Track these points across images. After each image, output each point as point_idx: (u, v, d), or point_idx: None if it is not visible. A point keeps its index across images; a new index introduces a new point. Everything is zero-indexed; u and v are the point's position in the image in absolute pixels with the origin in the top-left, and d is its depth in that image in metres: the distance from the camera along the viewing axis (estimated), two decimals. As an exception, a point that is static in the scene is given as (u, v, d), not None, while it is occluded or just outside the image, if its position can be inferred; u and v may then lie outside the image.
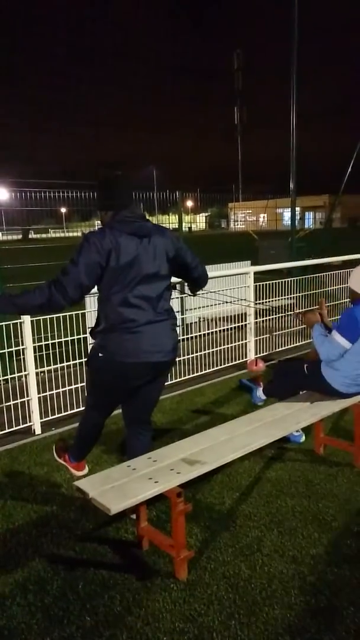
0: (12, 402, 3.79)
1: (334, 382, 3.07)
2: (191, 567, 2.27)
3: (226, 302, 5.09)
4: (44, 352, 3.98)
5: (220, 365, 5.11)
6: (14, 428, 3.76)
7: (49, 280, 2.25)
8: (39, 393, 3.87)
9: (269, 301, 5.48)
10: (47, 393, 3.99)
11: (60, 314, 4.06)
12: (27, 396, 3.83)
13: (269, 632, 1.93)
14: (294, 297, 5.79)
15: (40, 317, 3.93)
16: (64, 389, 4.08)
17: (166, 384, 3.08)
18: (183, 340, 4.93)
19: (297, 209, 12.78)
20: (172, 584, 2.20)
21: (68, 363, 4.12)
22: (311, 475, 3.07)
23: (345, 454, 3.27)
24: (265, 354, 5.44)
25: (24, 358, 3.79)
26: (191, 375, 4.86)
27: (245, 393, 4.38)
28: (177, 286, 5.29)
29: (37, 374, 3.86)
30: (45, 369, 4.04)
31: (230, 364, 5.17)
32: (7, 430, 3.73)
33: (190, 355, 4.88)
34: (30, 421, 3.83)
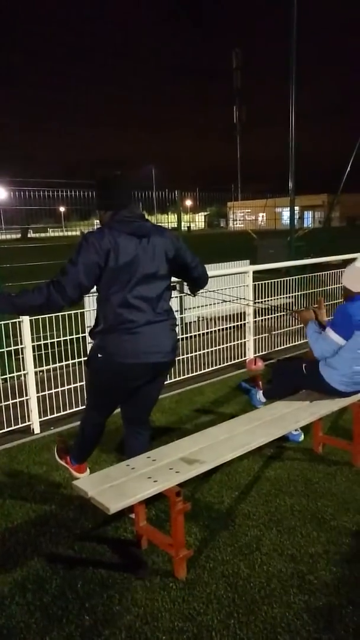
0: (10, 401, 3.79)
1: (333, 381, 3.08)
2: (190, 566, 2.27)
3: (225, 302, 5.10)
4: (42, 352, 3.98)
5: (219, 364, 5.11)
6: (13, 427, 3.76)
7: (47, 281, 2.24)
8: (37, 392, 3.87)
9: (268, 300, 5.48)
10: (46, 392, 3.99)
11: (59, 313, 4.06)
12: (26, 395, 3.83)
13: (268, 631, 1.93)
14: (293, 296, 5.79)
15: (39, 317, 3.93)
16: (62, 388, 4.08)
17: (165, 383, 3.08)
18: (182, 339, 4.93)
19: (296, 208, 12.78)
20: (171, 583, 2.20)
21: (67, 362, 4.12)
22: (310, 474, 3.07)
23: (344, 452, 3.27)
24: (264, 353, 5.44)
25: (22, 357, 3.79)
26: (190, 375, 4.86)
27: (244, 393, 4.38)
28: (177, 286, 5.29)
29: (36, 373, 3.86)
30: (44, 368, 4.03)
31: (229, 363, 5.17)
32: (5, 430, 3.73)
33: (190, 355, 4.88)
34: (29, 420, 3.83)
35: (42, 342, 3.96)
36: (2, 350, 3.84)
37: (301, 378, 3.29)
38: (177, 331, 2.52)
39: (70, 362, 4.15)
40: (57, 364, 4.07)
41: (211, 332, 5.22)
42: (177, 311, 5.16)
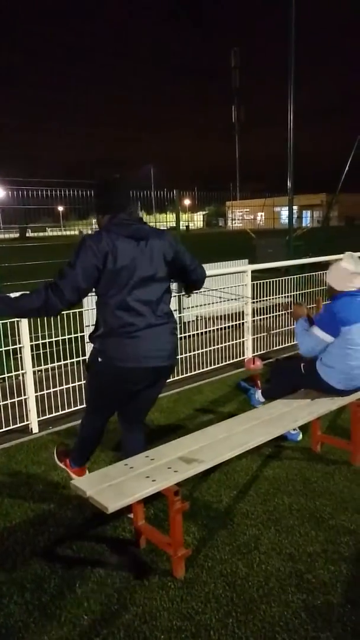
0: (9, 401, 3.79)
1: (331, 380, 3.09)
2: (188, 565, 2.27)
3: (224, 301, 5.10)
4: (41, 351, 3.97)
5: (218, 363, 5.12)
6: (11, 427, 3.76)
7: (46, 284, 2.24)
8: (36, 392, 3.87)
9: (267, 300, 5.48)
10: (44, 392, 3.98)
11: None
12: (24, 395, 3.83)
13: (266, 629, 1.93)
14: (291, 295, 5.79)
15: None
16: (61, 388, 4.08)
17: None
18: (181, 338, 4.93)
19: (295, 207, 12.79)
20: (169, 582, 2.20)
21: (65, 362, 4.12)
22: (308, 473, 3.07)
23: (342, 452, 3.27)
24: (262, 352, 5.44)
25: (21, 357, 3.78)
26: (189, 374, 4.86)
27: (243, 393, 4.38)
28: (175, 286, 5.28)
29: (34, 372, 3.86)
30: (43, 367, 4.03)
31: (228, 362, 5.17)
32: (4, 429, 3.72)
33: (188, 354, 4.88)
34: (27, 420, 3.83)
35: (40, 342, 3.95)
36: (1, 349, 3.83)
37: (299, 377, 3.29)
38: (177, 335, 2.52)
39: (68, 361, 4.14)
40: (56, 364, 4.07)
41: (210, 331, 5.22)
42: (175, 310, 5.17)
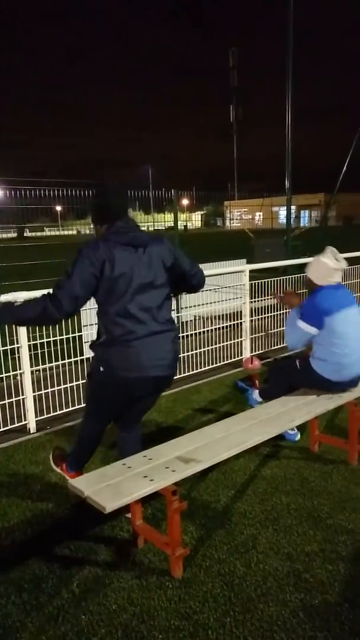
0: (7, 401, 3.78)
1: (325, 372, 3.14)
2: (186, 565, 2.27)
3: (222, 300, 5.10)
4: (39, 351, 3.97)
5: (216, 363, 5.12)
6: (9, 427, 3.75)
7: (44, 294, 2.28)
8: (34, 391, 3.86)
9: (265, 299, 5.48)
10: (42, 391, 3.98)
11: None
12: (22, 395, 3.82)
13: (264, 629, 1.94)
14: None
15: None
16: (59, 387, 4.07)
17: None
18: (178, 338, 4.92)
19: (293, 207, 12.80)
20: (167, 581, 2.20)
21: (63, 361, 4.12)
22: (306, 472, 3.07)
23: (339, 451, 3.28)
24: (261, 352, 5.45)
25: (18, 356, 3.78)
26: (187, 374, 4.86)
27: (241, 393, 4.39)
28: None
29: (32, 372, 3.85)
30: (40, 367, 4.03)
31: (226, 362, 5.17)
32: (2, 429, 3.72)
33: (186, 354, 4.88)
34: (25, 420, 3.82)
35: (38, 341, 3.95)
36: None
37: (296, 374, 3.33)
38: (179, 342, 2.52)
39: (66, 361, 4.14)
40: (54, 363, 4.06)
41: (208, 331, 5.22)
42: (173, 310, 5.17)
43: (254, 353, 5.38)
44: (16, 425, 3.78)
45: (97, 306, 2.38)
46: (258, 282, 5.39)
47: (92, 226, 2.53)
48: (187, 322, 5.50)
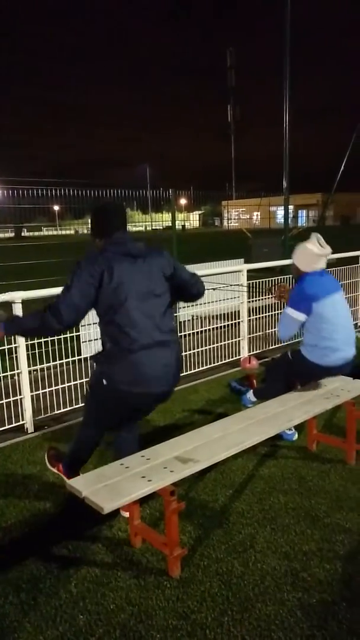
0: (4, 401, 3.78)
1: (315, 358, 3.20)
2: (184, 565, 2.28)
3: (219, 300, 5.10)
4: (36, 350, 3.97)
5: (214, 363, 5.12)
6: (7, 426, 3.75)
7: (45, 306, 2.31)
8: (31, 391, 3.86)
9: (262, 299, 5.49)
10: (40, 391, 3.98)
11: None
12: (20, 394, 3.82)
13: (262, 628, 1.94)
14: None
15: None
16: (56, 387, 4.07)
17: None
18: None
19: (290, 207, 12.81)
20: (165, 581, 2.20)
21: (61, 361, 4.11)
22: (304, 472, 3.08)
23: (337, 450, 3.28)
24: (258, 351, 5.45)
25: (16, 356, 3.77)
26: (185, 373, 4.86)
27: (235, 393, 4.39)
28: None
29: (29, 372, 3.85)
30: (38, 367, 4.02)
31: (223, 361, 5.18)
32: (-1, 429, 3.71)
33: (184, 353, 4.87)
34: (22, 419, 3.82)
35: (35, 341, 3.94)
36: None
37: (289, 367, 3.40)
38: (182, 354, 2.54)
39: (64, 360, 4.13)
40: (51, 363, 4.06)
41: (205, 330, 5.22)
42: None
43: (251, 353, 5.38)
44: (14, 425, 3.77)
45: (98, 319, 2.40)
46: (256, 282, 5.39)
47: (89, 229, 2.58)
48: (185, 321, 5.50)
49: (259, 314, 5.52)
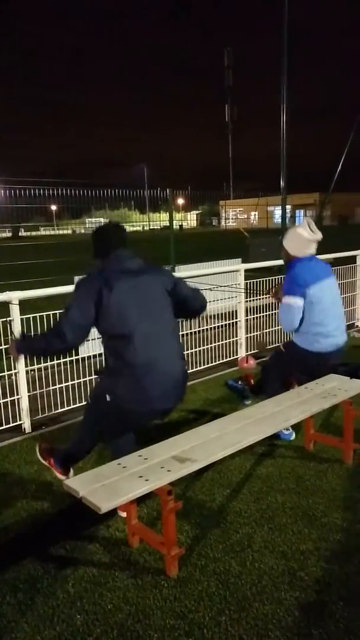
0: (1, 401, 3.77)
1: (307, 345, 3.26)
2: (182, 564, 2.28)
3: (217, 300, 5.10)
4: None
5: (211, 362, 5.12)
6: (4, 427, 3.74)
7: (50, 326, 2.39)
8: (29, 391, 3.85)
9: (260, 299, 5.49)
10: (37, 391, 3.97)
11: (51, 312, 4.05)
12: (17, 394, 3.81)
13: (259, 627, 1.94)
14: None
15: (30, 315, 3.91)
16: (54, 387, 4.06)
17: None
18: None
19: (288, 206, 12.82)
20: (162, 581, 2.20)
21: (58, 361, 4.10)
22: (301, 471, 3.08)
23: (334, 450, 3.29)
24: (256, 351, 5.45)
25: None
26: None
27: (232, 391, 4.39)
28: None
29: (27, 372, 3.84)
30: (35, 367, 4.02)
31: (221, 361, 5.18)
32: (-4, 429, 3.71)
33: (181, 353, 4.87)
34: (20, 419, 3.81)
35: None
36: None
37: (283, 358, 3.45)
38: (186, 368, 2.55)
39: (61, 360, 4.13)
40: (49, 363, 4.05)
41: (203, 330, 5.22)
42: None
43: (249, 352, 5.39)
44: (11, 425, 3.77)
45: (101, 337, 2.41)
46: (253, 282, 5.40)
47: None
48: (182, 321, 5.49)
49: (257, 313, 5.52)
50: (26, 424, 3.81)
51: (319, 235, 3.29)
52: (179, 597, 2.10)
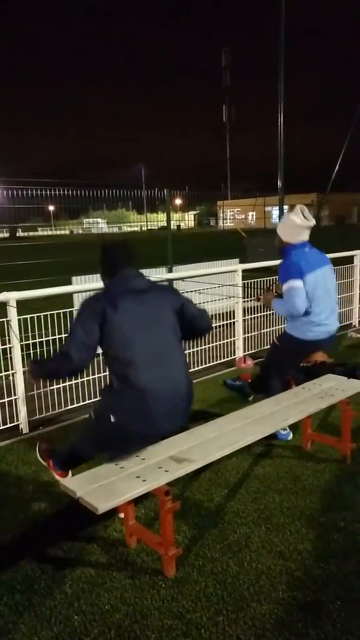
0: (-1, 401, 3.76)
1: (300, 334, 3.29)
2: (179, 564, 2.28)
3: (215, 300, 5.10)
4: (31, 351, 3.95)
5: (209, 363, 5.12)
6: (1, 427, 3.74)
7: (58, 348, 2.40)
8: (26, 392, 3.85)
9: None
10: (35, 392, 3.97)
11: (48, 312, 4.04)
12: (14, 395, 3.81)
13: (257, 627, 1.94)
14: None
15: (27, 315, 3.91)
16: (51, 388, 4.06)
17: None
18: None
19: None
20: (160, 581, 2.20)
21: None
22: (299, 471, 3.09)
23: (332, 449, 3.29)
24: (253, 351, 5.46)
25: (11, 357, 3.76)
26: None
27: (231, 390, 4.39)
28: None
29: (24, 372, 3.84)
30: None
31: (218, 361, 5.18)
32: (-6, 430, 3.70)
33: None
34: (17, 420, 3.81)
35: (30, 341, 3.93)
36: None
37: (279, 351, 3.47)
38: (192, 389, 2.52)
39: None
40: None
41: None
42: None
43: (246, 352, 5.39)
44: (8, 425, 3.76)
45: (105, 357, 2.38)
46: (251, 282, 5.40)
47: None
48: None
49: (254, 313, 5.52)
50: (23, 425, 3.80)
51: (312, 222, 3.31)
52: (176, 598, 2.10)
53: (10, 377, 3.83)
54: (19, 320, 3.75)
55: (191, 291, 5.17)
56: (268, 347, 5.55)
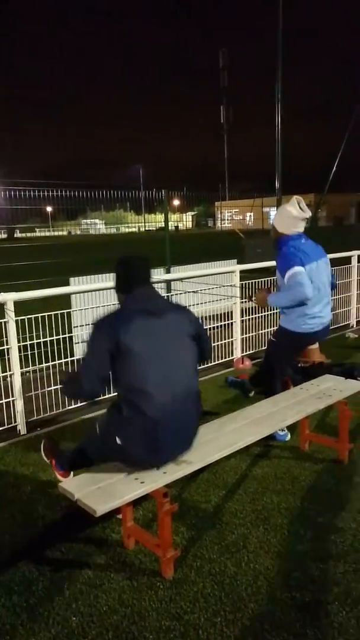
0: (-3, 403, 3.76)
1: (295, 327, 3.31)
2: (177, 565, 2.28)
3: (213, 301, 5.11)
4: (29, 352, 3.95)
5: (207, 363, 5.11)
6: (-1, 428, 3.73)
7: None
8: (24, 393, 3.84)
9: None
10: (32, 393, 3.96)
11: (46, 313, 4.04)
12: (12, 396, 3.80)
13: (255, 627, 1.94)
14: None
15: (25, 317, 3.91)
16: (49, 389, 4.05)
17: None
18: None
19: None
20: (158, 582, 2.20)
21: (53, 362, 4.10)
22: (297, 471, 3.09)
23: (330, 450, 3.30)
24: (251, 352, 5.46)
25: (8, 358, 3.76)
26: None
27: (233, 390, 4.40)
28: (163, 285, 5.26)
29: (22, 373, 3.83)
30: (30, 368, 4.01)
31: (216, 362, 5.18)
32: (-8, 431, 3.69)
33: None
34: (15, 421, 3.80)
35: (28, 342, 3.93)
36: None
37: (276, 347, 3.48)
38: (200, 413, 2.46)
39: (57, 362, 4.12)
40: (44, 365, 4.05)
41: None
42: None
43: (244, 353, 5.39)
44: (6, 427, 3.76)
45: (115, 381, 2.30)
46: (249, 282, 5.40)
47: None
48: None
49: (252, 314, 5.53)
50: (21, 426, 3.80)
51: (307, 213, 3.31)
52: (174, 599, 2.10)
53: (8, 379, 3.82)
54: (17, 321, 3.75)
55: (189, 292, 5.18)
56: (266, 347, 5.59)
